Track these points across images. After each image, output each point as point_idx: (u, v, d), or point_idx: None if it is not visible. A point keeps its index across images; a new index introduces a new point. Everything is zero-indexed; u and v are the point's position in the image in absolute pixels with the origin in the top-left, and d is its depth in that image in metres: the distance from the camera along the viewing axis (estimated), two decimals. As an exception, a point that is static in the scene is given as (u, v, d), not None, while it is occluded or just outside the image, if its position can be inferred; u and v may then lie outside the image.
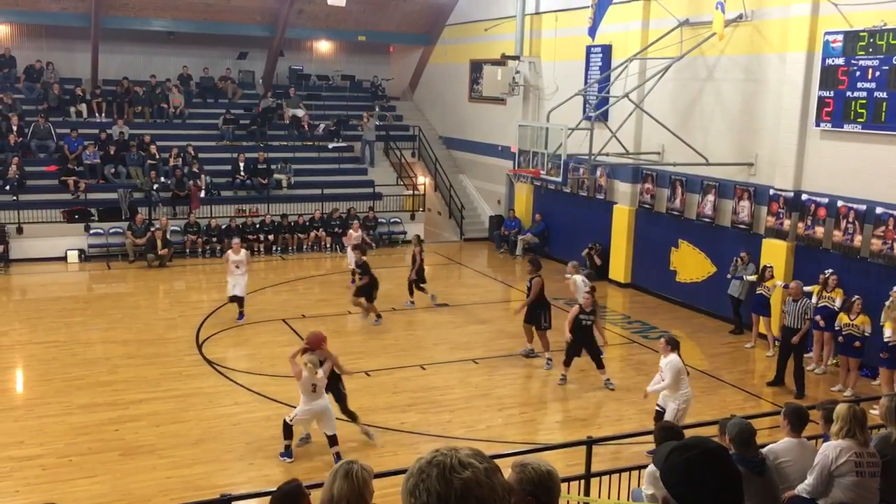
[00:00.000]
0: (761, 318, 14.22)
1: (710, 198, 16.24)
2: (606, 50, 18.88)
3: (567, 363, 12.34)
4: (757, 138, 15.33)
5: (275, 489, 4.79)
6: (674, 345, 9.63)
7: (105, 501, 8.35)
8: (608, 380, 12.35)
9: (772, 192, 14.80)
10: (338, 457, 9.22)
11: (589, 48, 19.30)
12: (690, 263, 17.03)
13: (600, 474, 7.64)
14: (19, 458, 9.38)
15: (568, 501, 7.18)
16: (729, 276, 15.17)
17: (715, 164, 15.71)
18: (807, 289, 12.87)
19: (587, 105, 18.34)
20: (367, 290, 15.05)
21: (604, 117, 17.43)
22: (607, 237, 19.15)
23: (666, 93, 16.83)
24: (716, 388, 12.49)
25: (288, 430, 9.54)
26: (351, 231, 18.84)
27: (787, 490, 5.99)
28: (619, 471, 7.64)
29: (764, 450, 6.21)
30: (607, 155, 16.39)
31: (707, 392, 12.30)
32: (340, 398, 10.11)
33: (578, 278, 14.00)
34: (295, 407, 9.82)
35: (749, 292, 14.79)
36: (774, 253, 14.53)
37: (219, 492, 6.72)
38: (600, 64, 19.08)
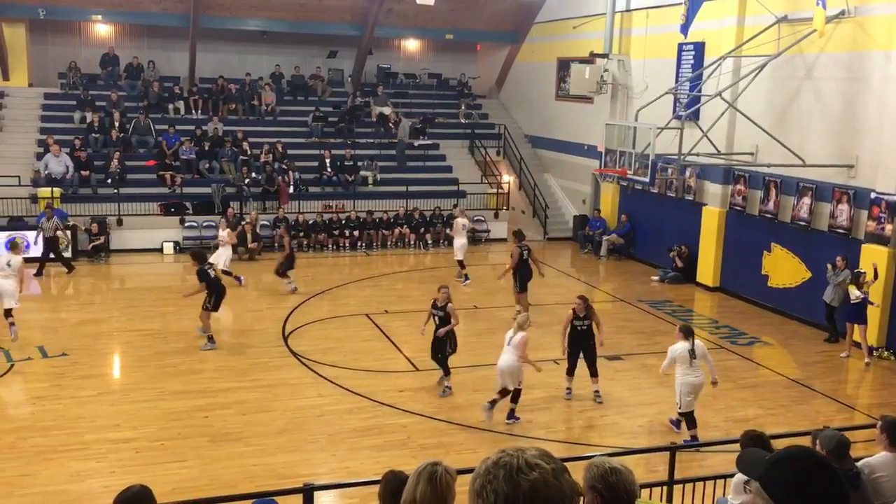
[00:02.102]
0: (856, 325, 13.62)
1: (806, 200, 15.65)
2: (699, 47, 18.41)
3: (570, 372, 11.71)
4: (858, 139, 14.68)
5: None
6: (686, 333, 10.21)
7: (193, 486, 8.63)
8: (597, 391, 11.61)
9: (873, 195, 14.15)
10: (512, 413, 10.64)
11: (681, 45, 18.85)
12: (784, 268, 16.45)
13: (683, 482, 7.47)
14: (115, 441, 9.80)
15: (650, 508, 7.03)
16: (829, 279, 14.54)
17: (812, 166, 15.12)
18: None
19: (677, 104, 17.92)
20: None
21: (695, 116, 17.00)
22: (695, 239, 18.67)
23: (761, 91, 16.30)
24: (808, 398, 12.03)
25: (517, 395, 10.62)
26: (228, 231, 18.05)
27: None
28: (704, 479, 7.46)
29: (859, 463, 5.96)
30: (697, 155, 15.98)
31: (798, 402, 11.87)
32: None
33: (460, 220, 18.24)
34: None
35: (844, 299, 14.19)
36: (874, 259, 13.88)
37: (302, 481, 6.86)
38: (692, 62, 18.63)
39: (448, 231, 19.93)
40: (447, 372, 11.69)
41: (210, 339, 13.38)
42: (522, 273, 15.26)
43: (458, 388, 11.93)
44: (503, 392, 10.64)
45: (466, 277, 18.11)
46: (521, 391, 10.66)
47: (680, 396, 10.16)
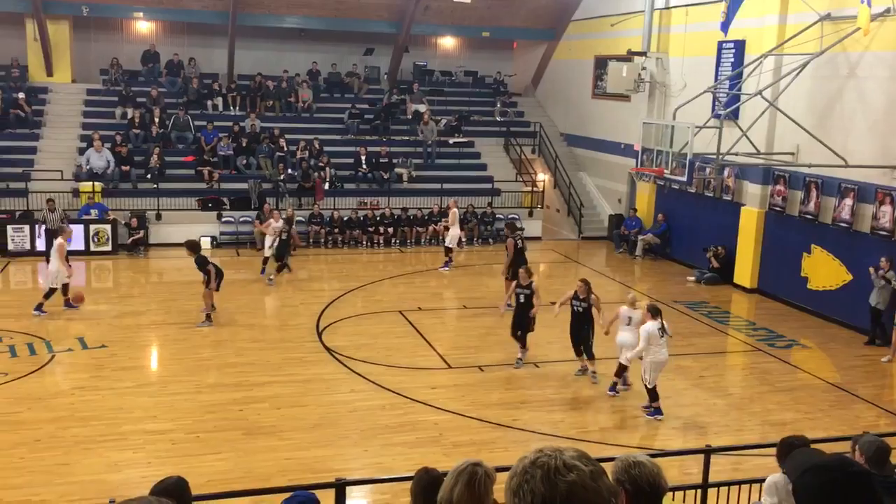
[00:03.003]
0: None
1: (848, 201, 15.36)
2: (740, 45, 18.16)
3: (577, 353, 12.32)
4: (902, 139, 14.37)
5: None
6: (654, 312, 10.77)
7: (228, 478, 8.71)
8: (593, 372, 12.18)
9: (917, 197, 13.85)
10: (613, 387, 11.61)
11: (721, 44, 18.61)
12: (824, 270, 16.17)
13: (718, 485, 7.38)
14: (152, 432, 9.95)
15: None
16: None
17: (854, 166, 14.84)
18: None
19: (716, 103, 17.69)
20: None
21: (734, 116, 16.77)
22: (733, 240, 18.43)
23: (803, 90, 16.03)
24: (848, 403, 11.81)
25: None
26: (271, 220, 17.90)
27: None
28: (739, 482, 7.35)
29: (901, 471, 5.83)
30: (736, 154, 15.77)
31: (837, 406, 11.66)
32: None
33: (455, 210, 19.26)
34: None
35: (889, 301, 13.90)
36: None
37: (334, 475, 6.89)
38: (732, 60, 18.37)
39: (445, 221, 20.19)
40: (524, 345, 12.64)
41: (208, 317, 14.29)
42: (519, 263, 15.61)
43: (492, 386, 11.92)
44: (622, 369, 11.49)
45: (448, 263, 19.12)
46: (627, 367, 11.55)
47: (650, 373, 10.75)
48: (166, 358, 13.00)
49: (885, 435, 6.76)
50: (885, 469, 5.40)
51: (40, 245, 18.41)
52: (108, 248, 19.42)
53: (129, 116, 22.73)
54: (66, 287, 14.70)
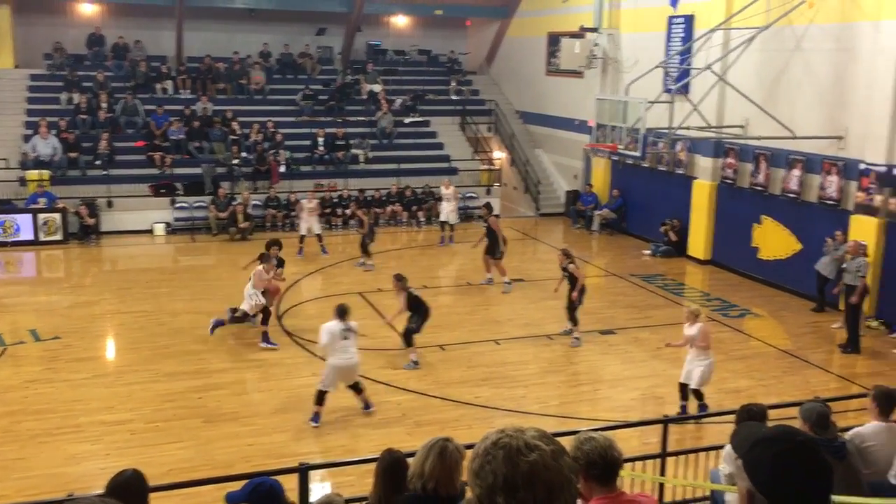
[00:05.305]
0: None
1: (796, 172, 15.67)
2: (689, 20, 18.33)
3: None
4: (847, 111, 14.67)
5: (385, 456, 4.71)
6: (339, 313, 9.89)
7: (189, 466, 8.66)
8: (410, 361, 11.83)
9: (862, 166, 14.18)
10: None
11: (671, 19, 18.77)
12: (774, 240, 16.51)
13: (676, 454, 7.54)
14: (110, 423, 9.82)
15: (643, 482, 7.10)
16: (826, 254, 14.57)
17: (802, 138, 15.12)
18: None
19: (667, 78, 17.87)
20: None
21: (685, 90, 16.96)
22: (686, 213, 18.71)
23: (751, 64, 16.26)
24: (799, 369, 12.13)
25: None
26: (304, 202, 18.76)
27: (873, 475, 5.80)
28: (697, 451, 7.54)
29: (849, 433, 6.05)
30: (688, 129, 15.96)
31: (790, 372, 11.97)
32: None
33: (453, 187, 20.18)
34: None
35: (838, 273, 14.24)
36: (863, 230, 13.95)
37: (297, 460, 6.89)
38: (682, 35, 18.55)
39: (440, 201, 20.59)
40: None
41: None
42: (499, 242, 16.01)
43: (452, 364, 11.99)
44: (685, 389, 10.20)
45: (451, 239, 19.79)
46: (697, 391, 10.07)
47: (327, 376, 9.79)
48: (122, 347, 12.82)
49: (836, 399, 6.98)
50: (828, 432, 5.61)
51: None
52: (59, 237, 19.01)
53: (76, 102, 22.18)
54: (244, 314, 12.84)
